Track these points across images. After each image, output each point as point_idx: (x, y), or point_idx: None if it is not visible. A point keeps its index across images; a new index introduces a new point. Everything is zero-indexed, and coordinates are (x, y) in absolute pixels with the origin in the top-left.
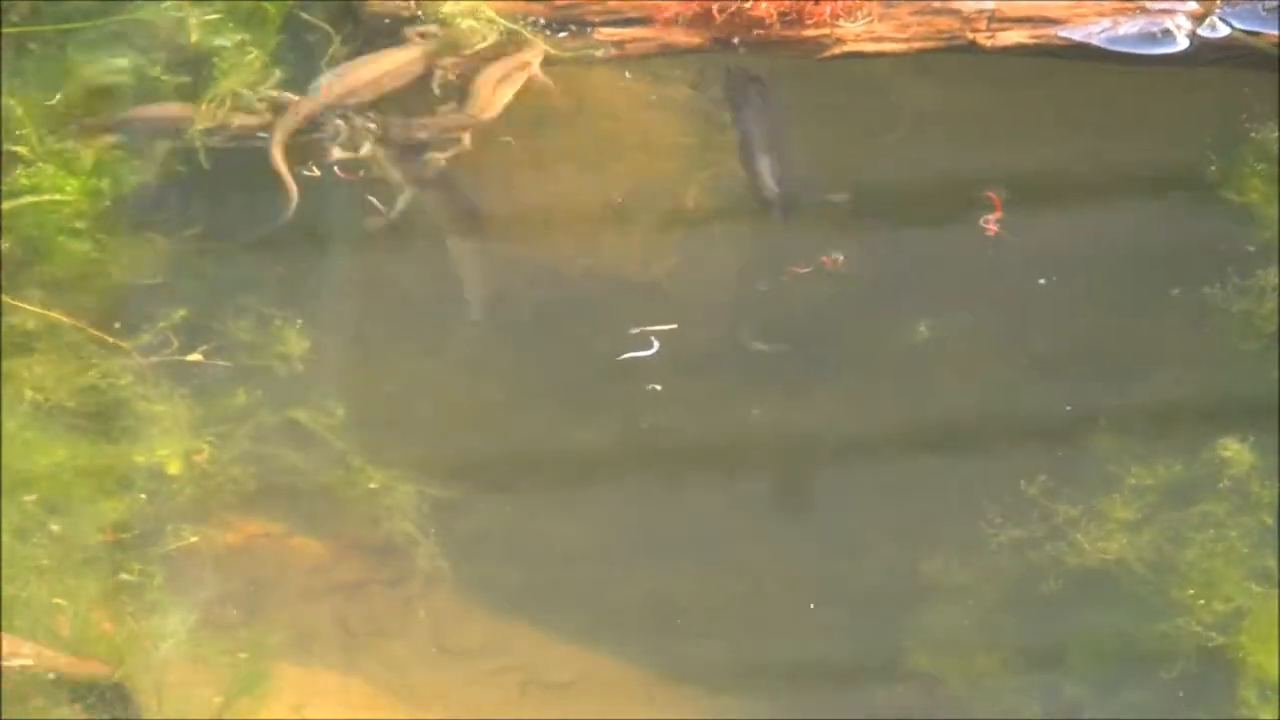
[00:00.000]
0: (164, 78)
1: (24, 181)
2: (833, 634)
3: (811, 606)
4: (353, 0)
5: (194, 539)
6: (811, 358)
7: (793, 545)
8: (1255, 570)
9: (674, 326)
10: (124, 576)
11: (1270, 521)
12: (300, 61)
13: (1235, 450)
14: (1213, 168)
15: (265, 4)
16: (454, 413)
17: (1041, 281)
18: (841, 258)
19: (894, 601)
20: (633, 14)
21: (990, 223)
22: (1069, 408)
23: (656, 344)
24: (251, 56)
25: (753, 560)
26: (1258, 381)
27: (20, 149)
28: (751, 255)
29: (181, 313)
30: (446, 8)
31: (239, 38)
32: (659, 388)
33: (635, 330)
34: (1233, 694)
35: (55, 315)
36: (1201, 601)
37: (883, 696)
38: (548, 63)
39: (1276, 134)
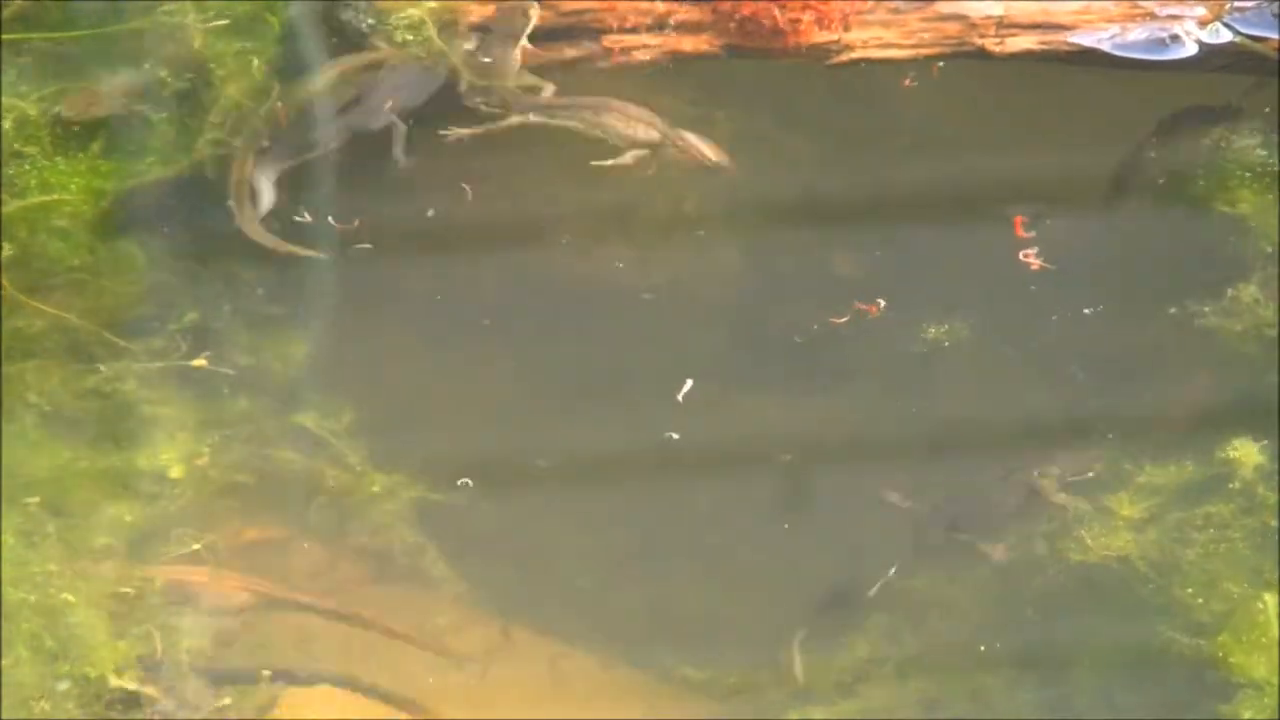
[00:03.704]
0: (168, 80)
1: (31, 181)
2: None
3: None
4: None
5: (196, 546)
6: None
7: (795, 550)
8: (1245, 571)
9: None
10: (126, 579)
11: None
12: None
13: (1243, 451)
14: (1201, 181)
15: (266, 15)
16: (455, 417)
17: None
18: (883, 303)
19: (891, 605)
20: (641, 21)
21: (1030, 255)
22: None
23: (690, 383)
24: (254, 65)
25: (755, 565)
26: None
27: (29, 149)
28: (753, 262)
29: (188, 316)
30: (394, 18)
31: (239, 46)
32: (676, 436)
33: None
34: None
35: (67, 316)
36: (1200, 601)
37: (882, 696)
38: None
39: (1276, 138)
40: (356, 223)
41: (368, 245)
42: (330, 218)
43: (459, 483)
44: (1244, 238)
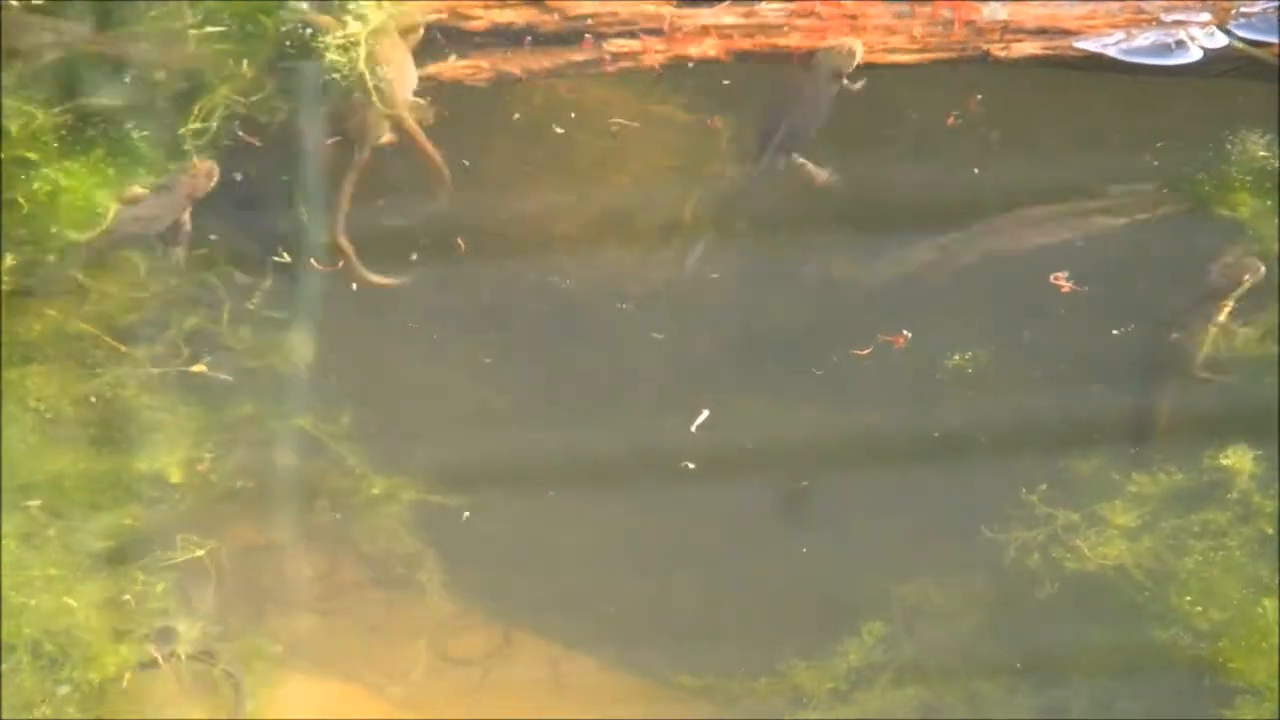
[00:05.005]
0: (164, 85)
1: (33, 185)
2: (829, 637)
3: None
4: None
5: (200, 552)
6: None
7: (794, 553)
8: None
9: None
10: (127, 583)
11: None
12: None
13: (1235, 459)
14: (1207, 187)
15: (261, 16)
16: (455, 421)
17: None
18: (909, 334)
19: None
20: (647, 25)
21: (1060, 278)
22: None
23: (705, 413)
24: (244, 68)
25: (755, 568)
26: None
27: (30, 154)
28: (751, 265)
29: (188, 321)
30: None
31: (232, 48)
32: (691, 466)
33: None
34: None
35: (71, 320)
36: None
37: (879, 701)
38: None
39: (1277, 143)
40: (340, 264)
41: (354, 286)
42: (312, 259)
43: (463, 516)
44: (1241, 242)
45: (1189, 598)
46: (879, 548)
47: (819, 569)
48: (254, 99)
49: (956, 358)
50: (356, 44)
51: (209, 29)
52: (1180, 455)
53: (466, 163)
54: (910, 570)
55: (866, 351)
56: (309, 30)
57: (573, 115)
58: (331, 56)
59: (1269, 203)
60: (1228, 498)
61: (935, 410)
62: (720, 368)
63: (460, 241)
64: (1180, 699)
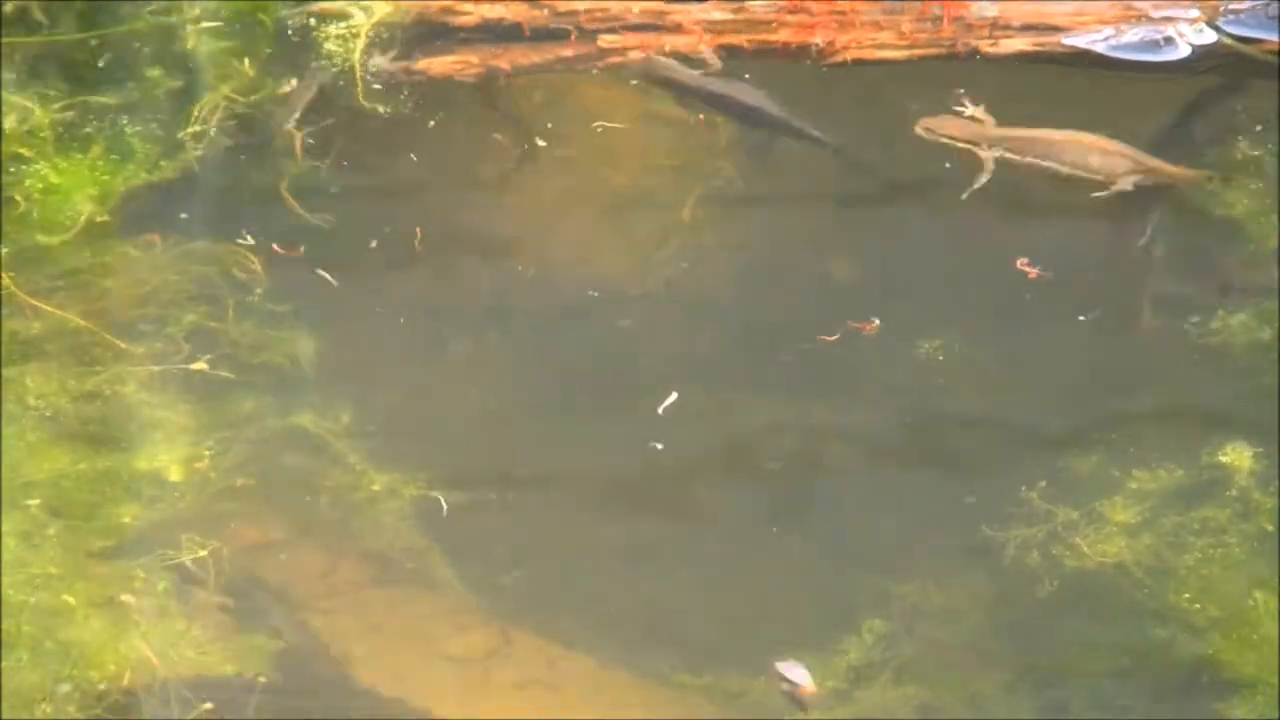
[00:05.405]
0: (162, 82)
1: (30, 181)
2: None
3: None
4: None
5: (202, 552)
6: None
7: (794, 552)
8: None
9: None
10: (126, 582)
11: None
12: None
13: (1234, 455)
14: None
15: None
16: (455, 420)
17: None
18: (878, 322)
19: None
20: (637, 21)
21: (1026, 263)
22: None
23: (674, 395)
24: (245, 66)
25: (755, 567)
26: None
27: (24, 150)
28: (749, 265)
29: (188, 318)
30: (332, 25)
31: (231, 44)
32: (660, 446)
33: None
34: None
35: (67, 317)
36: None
37: (879, 699)
38: None
39: (1277, 139)
40: (301, 249)
41: (324, 273)
42: (275, 245)
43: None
44: (1236, 241)
45: (1188, 595)
46: (879, 547)
47: (819, 568)
48: (252, 97)
49: (926, 345)
50: (356, 35)
51: (205, 24)
52: (1179, 452)
53: (414, 156)
54: (910, 569)
55: (834, 338)
56: (312, 20)
57: (560, 113)
58: (329, 47)
59: (1267, 201)
60: (1227, 495)
61: (935, 409)
62: (720, 367)
63: (417, 246)
64: (1179, 696)
